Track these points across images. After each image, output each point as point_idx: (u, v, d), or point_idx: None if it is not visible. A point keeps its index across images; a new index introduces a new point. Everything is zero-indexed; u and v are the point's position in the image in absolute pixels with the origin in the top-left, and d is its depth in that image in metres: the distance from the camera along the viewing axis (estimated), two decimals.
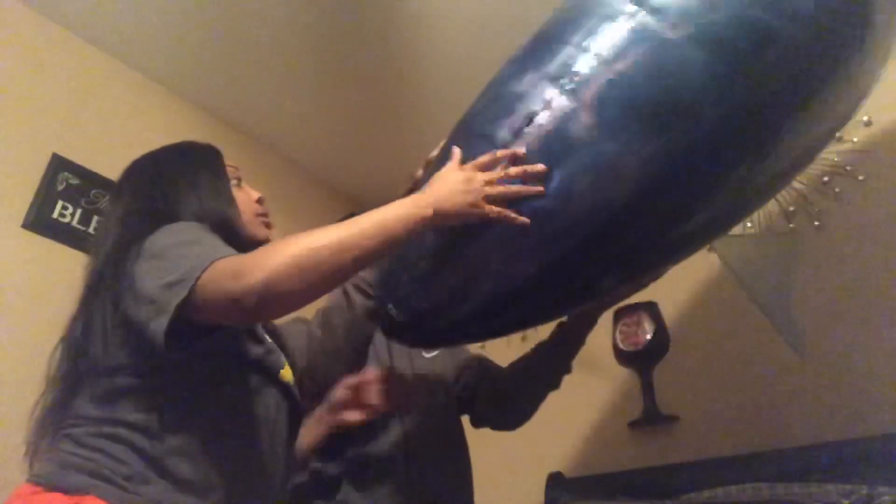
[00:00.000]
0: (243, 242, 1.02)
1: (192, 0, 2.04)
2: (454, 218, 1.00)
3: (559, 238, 1.03)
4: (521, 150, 1.03)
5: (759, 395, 1.80)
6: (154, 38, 2.17)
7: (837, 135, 1.80)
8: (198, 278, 0.83)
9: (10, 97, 1.93)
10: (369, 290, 1.22)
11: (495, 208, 1.00)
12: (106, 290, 0.93)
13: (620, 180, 1.02)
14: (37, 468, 0.88)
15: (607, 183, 1.02)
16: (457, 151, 1.08)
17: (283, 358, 1.08)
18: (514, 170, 1.02)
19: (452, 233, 1.05)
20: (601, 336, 2.13)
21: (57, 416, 0.92)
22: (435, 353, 1.50)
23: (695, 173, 1.05)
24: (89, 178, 1.99)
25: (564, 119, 1.03)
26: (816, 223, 1.82)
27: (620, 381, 2.06)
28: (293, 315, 0.95)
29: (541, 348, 1.45)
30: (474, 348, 1.65)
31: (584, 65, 1.05)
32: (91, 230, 1.96)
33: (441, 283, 1.08)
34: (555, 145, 1.03)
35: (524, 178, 1.02)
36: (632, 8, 1.06)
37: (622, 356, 2.06)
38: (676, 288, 2.05)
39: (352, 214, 0.98)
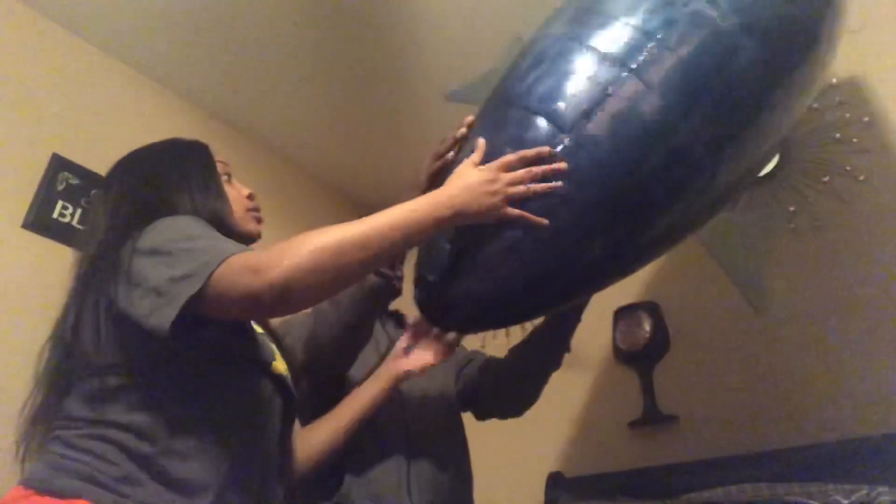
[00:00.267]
0: (234, 237, 1.01)
1: (193, 0, 2.04)
2: (474, 219, 1.00)
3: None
4: (545, 149, 1.03)
5: (759, 395, 1.80)
6: (154, 38, 2.17)
7: (837, 135, 1.81)
8: (211, 273, 0.83)
9: (10, 97, 1.93)
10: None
11: (516, 211, 1.01)
12: (98, 283, 0.92)
13: (684, 163, 1.08)
14: (27, 471, 0.87)
15: (674, 164, 1.07)
16: (482, 145, 1.08)
17: (273, 348, 1.07)
18: (538, 169, 1.02)
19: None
20: (601, 336, 2.14)
21: (47, 416, 0.91)
22: None
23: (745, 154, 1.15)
24: (89, 178, 1.99)
25: (635, 102, 1.05)
26: (816, 223, 1.81)
27: (620, 381, 2.06)
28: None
29: (538, 330, 1.46)
30: (472, 346, 1.66)
31: (648, 47, 1.08)
32: None
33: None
34: (626, 129, 1.05)
35: (548, 177, 1.02)
36: None
37: (622, 356, 2.06)
38: (676, 288, 2.05)
39: (359, 216, 0.98)
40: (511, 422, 1.53)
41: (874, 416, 1.59)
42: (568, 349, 1.45)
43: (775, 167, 1.87)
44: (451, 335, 1.32)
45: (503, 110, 1.15)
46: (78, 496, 0.81)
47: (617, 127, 1.04)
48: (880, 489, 1.39)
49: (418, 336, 1.33)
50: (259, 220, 1.15)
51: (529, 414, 1.51)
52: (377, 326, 1.46)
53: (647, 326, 2.00)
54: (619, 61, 1.07)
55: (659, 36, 1.08)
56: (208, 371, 0.94)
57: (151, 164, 1.08)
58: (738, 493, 1.60)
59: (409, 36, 2.16)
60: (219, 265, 0.84)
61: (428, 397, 1.43)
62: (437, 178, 1.24)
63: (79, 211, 1.97)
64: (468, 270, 1.08)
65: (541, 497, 1.98)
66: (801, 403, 1.73)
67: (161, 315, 0.83)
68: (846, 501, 1.41)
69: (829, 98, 1.83)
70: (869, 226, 1.76)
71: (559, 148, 1.04)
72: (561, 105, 1.07)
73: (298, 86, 2.37)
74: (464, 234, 1.08)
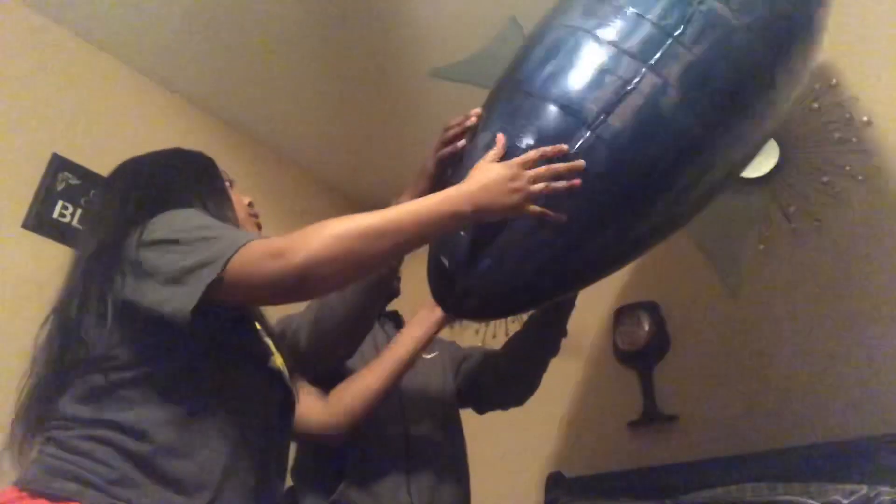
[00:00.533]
0: None
1: (193, 0, 2.04)
2: (495, 216, 1.02)
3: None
4: (564, 146, 1.05)
5: (759, 395, 1.80)
6: (154, 38, 2.17)
7: (837, 135, 1.81)
8: (229, 259, 0.84)
9: (10, 97, 1.93)
10: None
11: (538, 208, 1.02)
12: (103, 274, 0.92)
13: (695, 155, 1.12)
14: (21, 473, 0.87)
15: (686, 156, 1.11)
16: (501, 140, 1.08)
17: (270, 344, 1.07)
18: (561, 167, 1.03)
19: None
20: (601, 336, 2.14)
21: (42, 414, 0.91)
22: (434, 353, 1.51)
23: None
24: (89, 178, 1.99)
25: (655, 97, 1.07)
26: (816, 223, 1.81)
27: (620, 380, 2.06)
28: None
29: (535, 317, 1.46)
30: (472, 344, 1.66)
31: (665, 44, 1.10)
32: None
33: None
34: (646, 123, 1.08)
35: (565, 175, 1.04)
36: None
37: (622, 356, 2.06)
38: (676, 288, 2.05)
39: None
40: (511, 422, 1.53)
41: (874, 416, 1.59)
42: (565, 334, 1.45)
43: (775, 167, 1.87)
44: None
45: (518, 100, 1.15)
46: (72, 498, 0.81)
47: (636, 121, 1.07)
48: (880, 489, 1.39)
49: None
50: (259, 227, 1.17)
51: (529, 414, 1.51)
52: (376, 326, 1.46)
53: (647, 326, 2.00)
54: (639, 56, 1.09)
55: (676, 33, 1.10)
56: (208, 365, 0.94)
57: (158, 165, 1.09)
58: (738, 492, 1.60)
59: (410, 36, 2.16)
60: (237, 251, 0.85)
61: (426, 397, 1.43)
62: (444, 165, 1.25)
63: (79, 211, 1.97)
64: (484, 257, 1.09)
65: (540, 497, 1.98)
66: (800, 403, 1.73)
67: (181, 301, 0.84)
68: (846, 501, 1.41)
69: (830, 98, 1.83)
70: (869, 226, 1.76)
71: (580, 142, 1.06)
72: (580, 98, 1.09)
73: (297, 85, 2.37)
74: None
